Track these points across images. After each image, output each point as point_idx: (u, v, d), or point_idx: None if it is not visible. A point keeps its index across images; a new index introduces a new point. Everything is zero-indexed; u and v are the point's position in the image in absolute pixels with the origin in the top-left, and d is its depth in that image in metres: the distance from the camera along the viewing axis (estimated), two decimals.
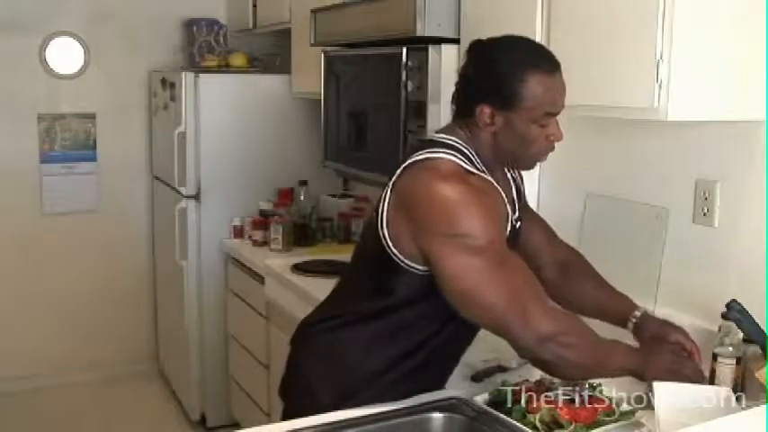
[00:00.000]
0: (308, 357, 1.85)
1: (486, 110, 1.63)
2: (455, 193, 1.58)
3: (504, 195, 1.70)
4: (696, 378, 1.68)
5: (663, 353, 1.72)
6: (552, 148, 1.71)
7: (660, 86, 1.71)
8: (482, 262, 1.56)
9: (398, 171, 1.67)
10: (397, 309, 1.72)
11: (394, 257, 1.67)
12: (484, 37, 2.26)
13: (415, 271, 1.66)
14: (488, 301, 1.58)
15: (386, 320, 1.73)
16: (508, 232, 1.70)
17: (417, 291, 1.68)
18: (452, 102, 1.73)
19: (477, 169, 1.66)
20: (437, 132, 1.75)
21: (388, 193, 1.68)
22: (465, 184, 1.60)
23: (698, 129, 2.03)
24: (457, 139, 1.68)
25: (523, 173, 1.90)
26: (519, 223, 1.81)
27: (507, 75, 1.61)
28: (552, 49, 2.01)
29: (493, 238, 1.58)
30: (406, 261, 1.66)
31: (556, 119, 1.66)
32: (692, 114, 1.77)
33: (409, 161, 1.66)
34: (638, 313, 1.87)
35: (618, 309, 1.91)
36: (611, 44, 1.84)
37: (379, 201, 1.70)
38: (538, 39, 2.05)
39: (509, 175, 1.86)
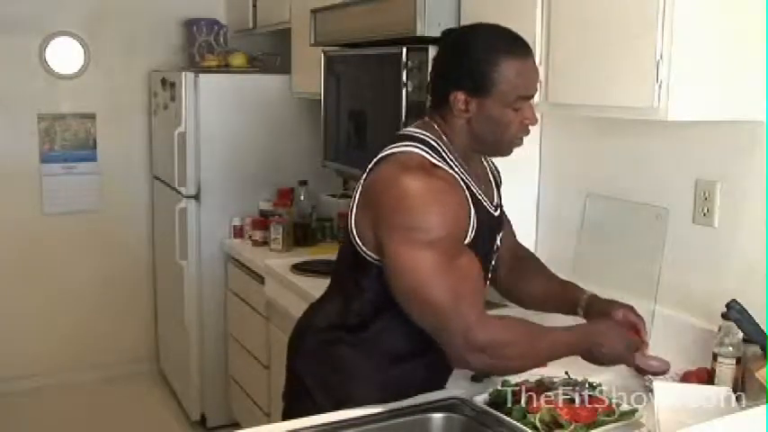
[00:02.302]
0: (303, 362, 1.85)
1: (461, 96, 1.64)
2: (415, 186, 1.58)
3: (468, 191, 1.68)
4: (632, 349, 1.73)
5: (615, 333, 1.73)
6: (527, 133, 1.71)
7: (660, 86, 1.71)
8: (433, 257, 1.55)
9: (368, 167, 1.68)
10: (380, 309, 1.71)
11: (361, 253, 1.68)
12: None
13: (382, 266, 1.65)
14: (431, 298, 1.56)
15: (374, 322, 1.73)
16: (474, 226, 1.66)
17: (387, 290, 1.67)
18: (427, 93, 1.75)
19: (448, 163, 1.66)
20: (410, 127, 1.75)
21: (358, 190, 1.69)
22: (427, 178, 1.60)
23: (698, 129, 2.02)
24: (428, 133, 1.68)
25: (522, 172, 1.91)
26: (498, 211, 1.82)
27: (480, 60, 1.62)
28: (552, 49, 2.02)
29: (447, 234, 1.58)
30: (371, 256, 1.67)
31: (530, 103, 1.67)
32: (692, 114, 1.77)
33: (377, 158, 1.67)
34: (585, 297, 1.91)
35: (567, 297, 1.95)
36: (612, 44, 1.83)
37: (351, 200, 1.72)
38: (538, 39, 2.06)
39: (488, 166, 1.88)
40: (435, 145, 1.67)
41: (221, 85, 3.77)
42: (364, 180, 1.69)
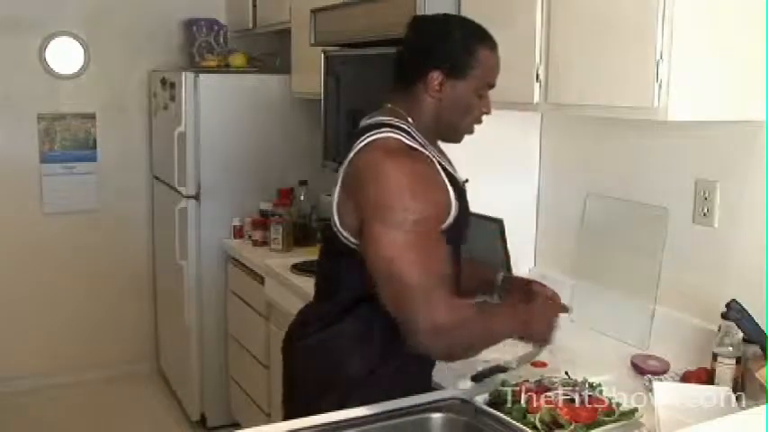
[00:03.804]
0: (297, 366, 1.87)
1: (438, 75, 1.71)
2: (397, 169, 1.62)
3: (442, 169, 1.72)
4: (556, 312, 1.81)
5: (539, 310, 1.80)
6: (480, 122, 1.81)
7: (660, 86, 1.71)
8: (409, 237, 1.58)
9: (348, 158, 1.71)
10: (360, 300, 1.73)
11: (345, 242, 1.71)
12: None
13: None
14: (404, 276, 1.58)
15: (355, 315, 1.74)
16: (455, 207, 1.69)
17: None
18: (394, 73, 1.80)
19: (421, 144, 1.71)
20: (376, 116, 1.78)
21: (339, 181, 1.73)
22: (408, 160, 1.65)
23: (698, 129, 2.03)
24: (396, 119, 1.74)
25: (522, 172, 1.92)
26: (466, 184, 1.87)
27: (461, 45, 1.72)
28: (552, 49, 2.02)
29: (426, 216, 1.61)
30: (355, 243, 1.69)
31: (488, 94, 1.78)
32: (692, 114, 1.77)
33: (353, 152, 1.70)
34: (499, 276, 2.02)
35: (483, 277, 2.03)
36: (611, 44, 1.83)
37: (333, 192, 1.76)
38: (538, 39, 2.06)
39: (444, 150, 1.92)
40: (407, 128, 1.72)
41: (221, 85, 3.77)
42: (345, 170, 1.72)
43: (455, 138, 1.83)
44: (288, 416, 1.85)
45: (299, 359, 1.86)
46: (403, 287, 1.58)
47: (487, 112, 1.80)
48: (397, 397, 1.71)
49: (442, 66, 1.71)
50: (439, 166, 1.70)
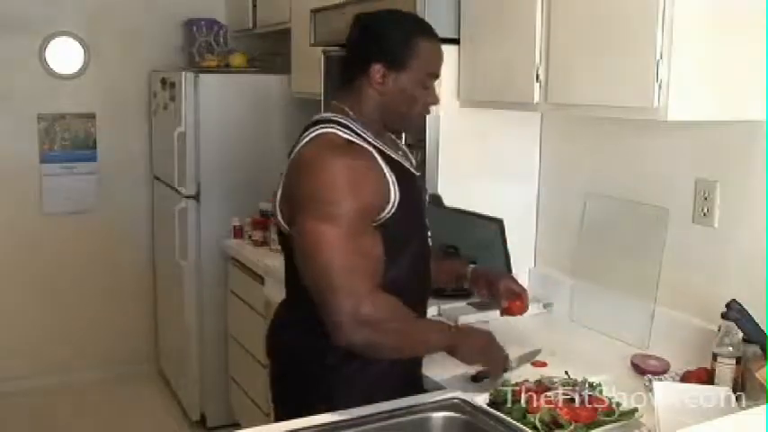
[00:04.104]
0: (278, 367, 1.92)
1: (380, 68, 1.76)
2: (329, 163, 1.68)
3: (384, 158, 1.75)
4: (499, 366, 1.84)
5: (477, 337, 1.84)
6: (429, 112, 1.88)
7: (660, 86, 1.70)
8: (336, 230, 1.63)
9: (291, 157, 1.77)
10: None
11: (285, 233, 1.76)
12: (484, 37, 2.27)
13: None
14: (327, 268, 1.62)
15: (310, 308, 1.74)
16: (396, 198, 1.71)
17: None
18: (342, 71, 1.86)
19: (362, 137, 1.75)
20: (322, 113, 1.84)
21: (282, 179, 1.78)
22: (341, 155, 1.69)
23: (698, 129, 2.02)
24: (338, 115, 1.79)
25: (522, 172, 1.92)
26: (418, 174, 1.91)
27: (401, 38, 1.77)
28: (552, 49, 2.02)
29: (356, 210, 1.65)
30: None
31: (434, 85, 1.84)
32: (692, 114, 1.77)
33: (295, 151, 1.76)
34: (469, 269, 2.08)
35: (454, 271, 2.11)
36: (611, 44, 1.83)
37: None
38: (538, 39, 2.06)
39: (399, 143, 1.96)
40: (347, 123, 1.76)
41: (221, 85, 3.77)
42: (288, 166, 1.78)
43: (404, 127, 1.92)
44: (279, 415, 1.86)
45: (281, 360, 1.91)
46: (326, 279, 1.63)
47: (434, 102, 1.85)
48: (386, 389, 1.73)
49: (382, 59, 1.76)
50: (380, 158, 1.74)
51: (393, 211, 1.71)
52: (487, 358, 1.82)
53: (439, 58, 1.83)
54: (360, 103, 1.80)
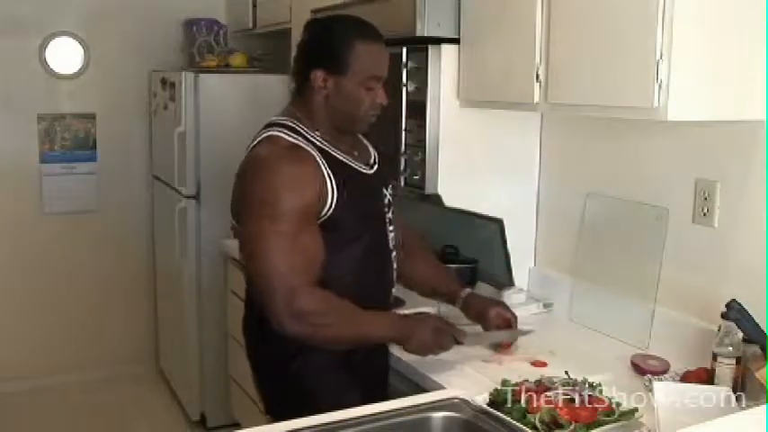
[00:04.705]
0: (255, 369, 2.09)
1: (320, 74, 1.84)
2: (268, 166, 1.78)
3: (329, 160, 1.81)
4: (451, 342, 1.90)
5: (426, 327, 1.89)
6: (378, 110, 1.91)
7: (660, 86, 1.71)
8: (274, 228, 1.73)
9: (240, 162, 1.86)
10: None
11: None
12: (484, 37, 2.28)
13: None
14: (264, 263, 1.75)
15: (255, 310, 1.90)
16: (333, 196, 1.78)
17: None
18: (291, 76, 1.95)
19: (308, 140, 1.81)
20: (275, 116, 1.92)
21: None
22: (280, 158, 1.78)
23: (698, 129, 2.03)
24: (287, 118, 1.87)
25: (522, 172, 1.93)
26: (374, 170, 1.96)
27: (339, 42, 1.84)
28: (552, 48, 2.02)
29: (293, 209, 1.74)
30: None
31: (380, 84, 1.88)
32: (692, 114, 1.77)
33: (247, 153, 1.85)
34: (463, 294, 2.12)
35: (447, 288, 2.16)
36: (611, 44, 1.83)
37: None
38: (538, 39, 2.06)
39: (368, 145, 2.04)
40: (294, 126, 1.84)
41: (221, 85, 3.77)
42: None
43: (355, 127, 1.93)
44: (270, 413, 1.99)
45: (258, 363, 2.08)
46: (265, 275, 1.74)
47: (382, 102, 1.89)
48: (331, 379, 1.85)
49: (323, 65, 1.83)
50: (323, 160, 1.80)
51: (331, 210, 1.79)
52: (441, 340, 1.88)
53: (380, 60, 1.87)
54: (309, 107, 1.88)
